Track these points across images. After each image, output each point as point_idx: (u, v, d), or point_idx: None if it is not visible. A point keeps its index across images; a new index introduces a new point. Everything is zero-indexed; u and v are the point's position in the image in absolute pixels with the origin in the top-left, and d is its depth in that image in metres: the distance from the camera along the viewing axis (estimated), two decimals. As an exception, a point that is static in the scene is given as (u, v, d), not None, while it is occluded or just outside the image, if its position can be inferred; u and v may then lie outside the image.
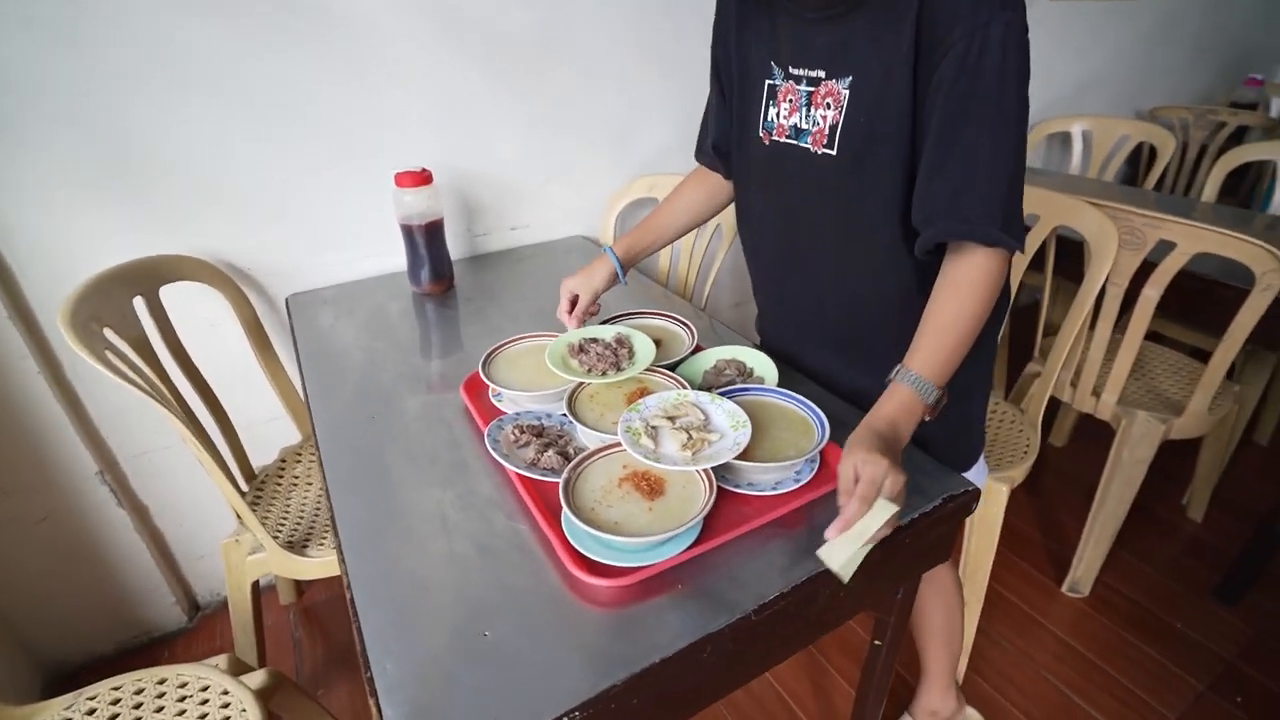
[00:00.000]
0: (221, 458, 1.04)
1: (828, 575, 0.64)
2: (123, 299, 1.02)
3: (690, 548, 0.65)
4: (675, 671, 0.57)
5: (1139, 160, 2.46)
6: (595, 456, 0.73)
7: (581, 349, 0.89)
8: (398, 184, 1.20)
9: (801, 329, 0.99)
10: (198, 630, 1.48)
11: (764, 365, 0.92)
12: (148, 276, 1.09)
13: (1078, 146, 2.23)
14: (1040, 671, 1.33)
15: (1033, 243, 1.32)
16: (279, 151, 1.22)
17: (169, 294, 1.12)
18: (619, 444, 0.73)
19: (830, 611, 0.71)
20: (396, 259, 1.41)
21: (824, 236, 0.85)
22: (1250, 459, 1.91)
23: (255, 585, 1.14)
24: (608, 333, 0.94)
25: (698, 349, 0.98)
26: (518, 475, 0.75)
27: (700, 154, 1.03)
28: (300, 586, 1.55)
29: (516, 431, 0.80)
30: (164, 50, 1.08)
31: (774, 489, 0.73)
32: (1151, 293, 1.25)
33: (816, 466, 0.76)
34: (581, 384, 0.86)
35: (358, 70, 1.24)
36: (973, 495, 0.75)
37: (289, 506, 1.19)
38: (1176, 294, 1.26)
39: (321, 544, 1.09)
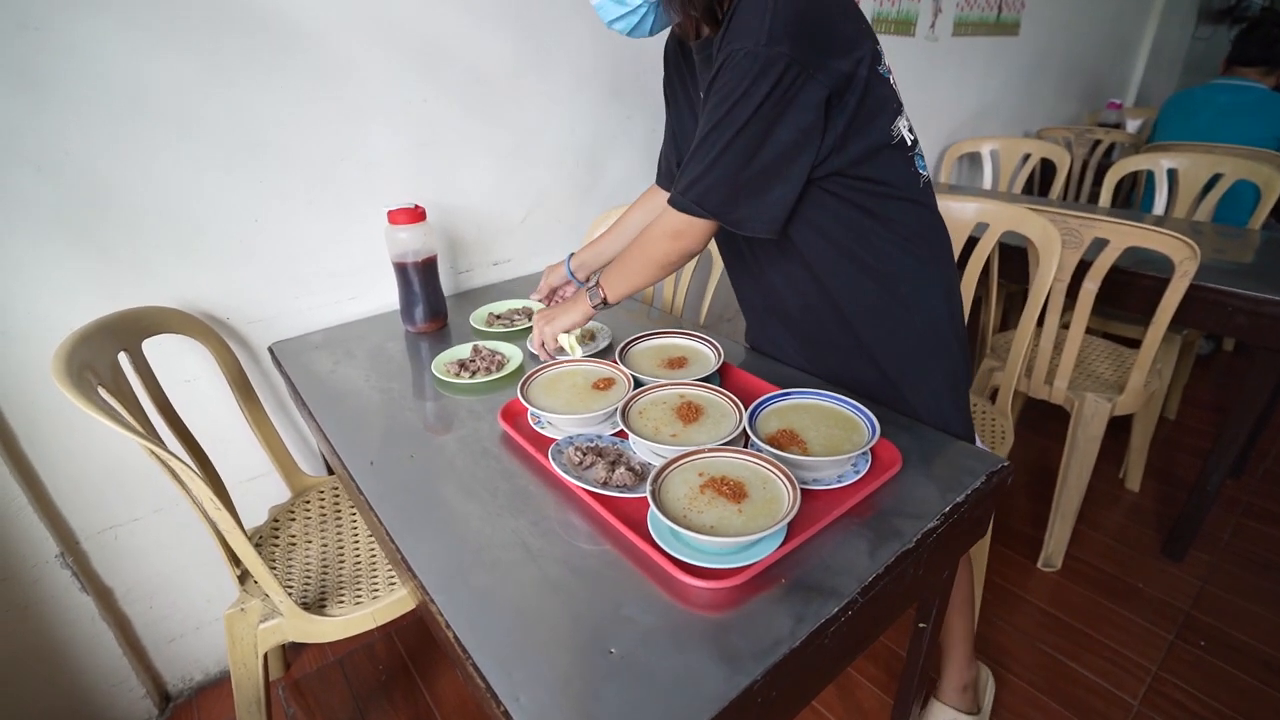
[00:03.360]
0: (235, 515, 0.97)
1: (912, 554, 0.68)
2: (108, 353, 0.94)
3: (781, 545, 0.67)
4: (803, 660, 0.59)
5: (1034, 175, 2.77)
6: (669, 469, 0.74)
7: (462, 365, 1.09)
8: (391, 221, 1.18)
9: (765, 327, 1.11)
10: (170, 723, 1.33)
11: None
12: (130, 329, 1.00)
13: (988, 164, 2.49)
14: (1034, 643, 1.43)
15: (984, 248, 1.45)
16: (255, 193, 1.17)
17: (146, 349, 1.04)
18: (691, 453, 0.75)
19: (912, 588, 0.74)
20: (383, 299, 1.37)
21: (747, 242, 1.01)
22: (1165, 432, 2.15)
23: (266, 658, 1.04)
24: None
25: (724, 367, 1.01)
26: (592, 495, 0.75)
27: (660, 177, 1.21)
28: (287, 660, 1.43)
29: (579, 454, 0.80)
30: (133, 90, 1.02)
31: (838, 482, 0.77)
32: (1091, 285, 1.41)
33: (870, 460, 0.80)
34: (630, 401, 0.87)
35: (333, 107, 1.21)
36: (1009, 470, 0.82)
37: (292, 567, 1.11)
38: (1099, 286, 1.42)
39: (340, 601, 1.02)
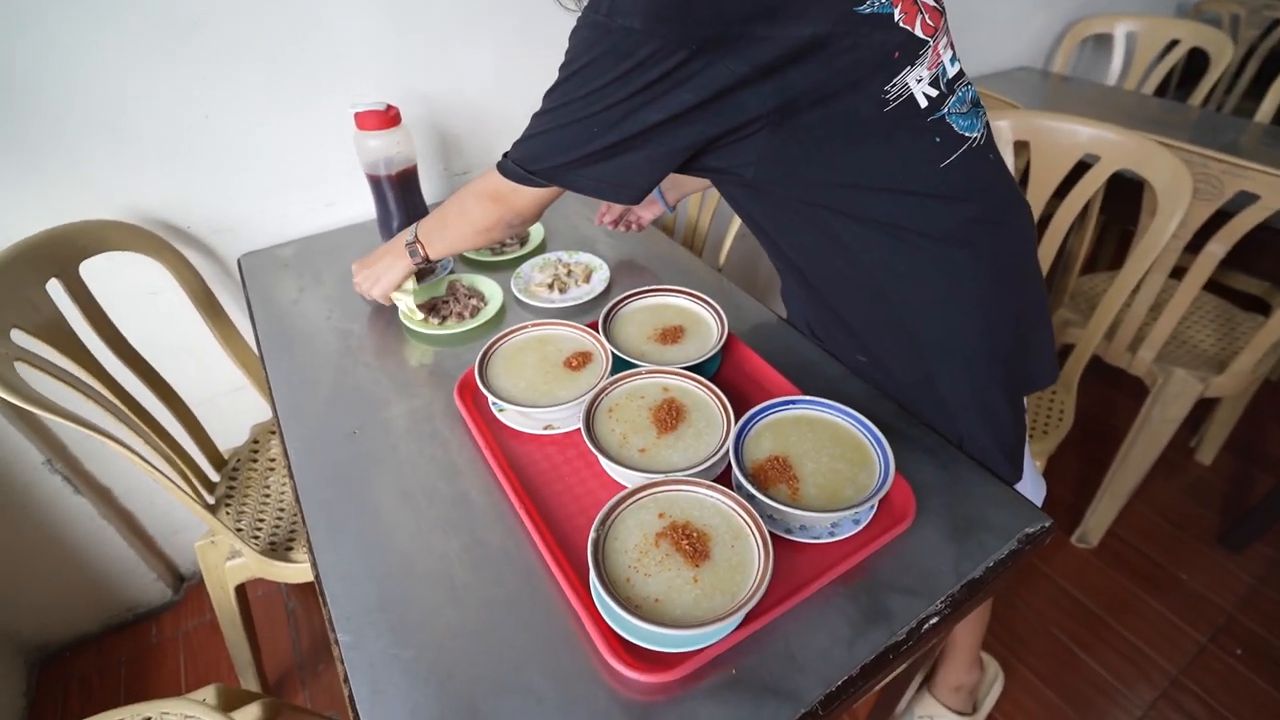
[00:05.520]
0: (179, 465, 0.92)
1: (899, 647, 0.56)
2: (32, 286, 0.84)
3: (740, 625, 0.56)
4: (736, 788, 0.50)
5: (1174, 71, 2.24)
6: (626, 502, 0.62)
7: (433, 308, 0.96)
8: (359, 126, 0.99)
9: (787, 287, 0.94)
10: (185, 602, 1.42)
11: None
12: (62, 253, 0.90)
13: (1119, 51, 2.01)
14: (1049, 627, 1.34)
15: (1089, 184, 1.17)
16: (199, 84, 0.99)
17: (92, 268, 0.94)
18: (656, 484, 0.62)
19: (888, 673, 0.64)
20: (364, 206, 1.22)
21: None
22: (1260, 395, 1.88)
23: (241, 589, 1.05)
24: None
25: (729, 340, 0.85)
26: (534, 524, 0.64)
27: None
28: (289, 555, 1.48)
29: None
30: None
31: (829, 535, 0.64)
32: (1217, 249, 1.13)
33: (875, 509, 0.66)
34: (602, 393, 0.74)
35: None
36: (1048, 530, 0.66)
37: (267, 495, 1.08)
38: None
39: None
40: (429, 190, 1.21)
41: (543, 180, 0.69)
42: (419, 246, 0.85)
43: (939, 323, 0.73)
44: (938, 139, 0.63)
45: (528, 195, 0.72)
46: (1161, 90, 2.07)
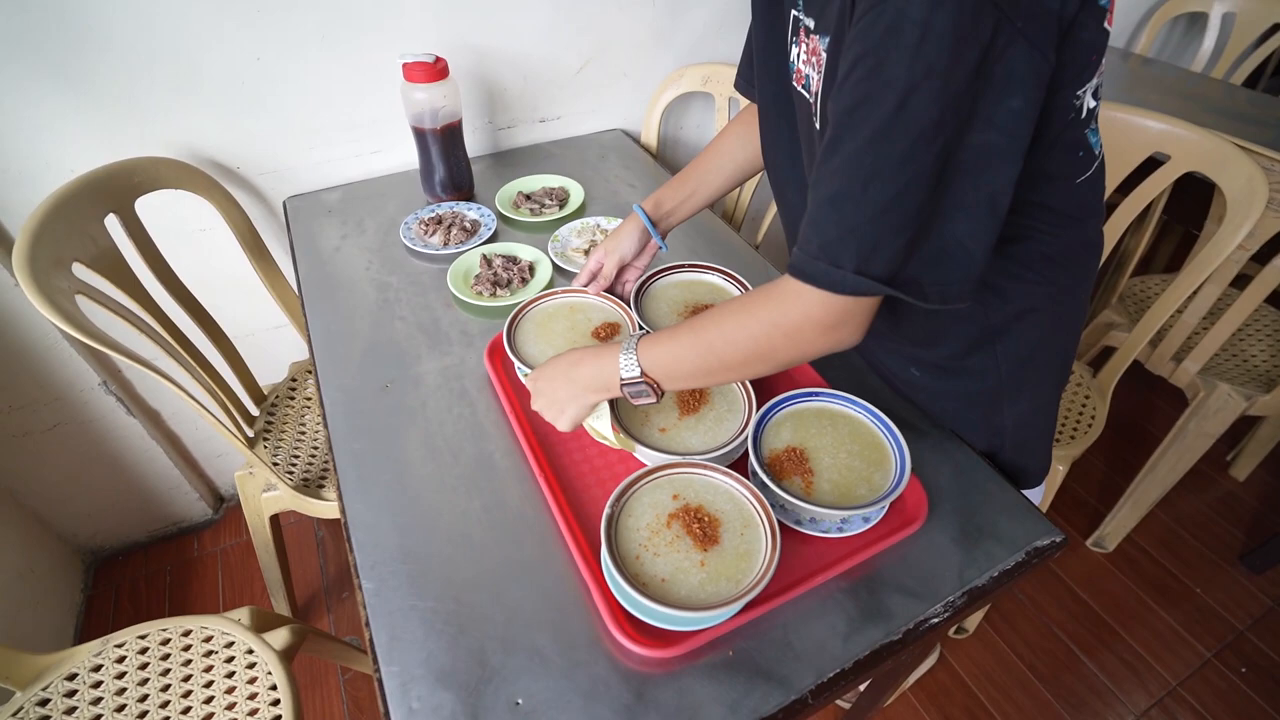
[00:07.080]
0: (222, 399, 0.97)
1: (894, 647, 0.58)
2: (91, 221, 0.88)
3: (746, 608, 0.58)
4: (722, 762, 0.53)
5: (1271, 59, 2.07)
6: (643, 481, 0.64)
7: (495, 282, 0.94)
8: (407, 78, 0.99)
9: None
10: (224, 521, 1.51)
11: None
12: (120, 188, 0.93)
13: (1212, 34, 1.86)
14: (1051, 626, 1.35)
15: (1153, 187, 1.11)
16: (251, 25, 0.99)
17: (147, 204, 0.97)
18: (671, 465, 0.64)
19: (876, 669, 0.66)
20: (409, 155, 1.23)
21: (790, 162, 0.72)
22: (1308, 413, 1.81)
23: (275, 518, 1.11)
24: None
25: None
26: (552, 491, 0.67)
27: (739, 80, 0.84)
28: (321, 486, 1.56)
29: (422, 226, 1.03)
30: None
31: (838, 531, 0.65)
32: (1285, 265, 1.07)
33: (886, 510, 0.67)
34: (623, 372, 0.75)
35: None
36: (1057, 545, 0.67)
37: (303, 433, 1.13)
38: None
39: (339, 484, 1.05)
40: (472, 144, 1.21)
41: (887, 286, 0.50)
42: (650, 387, 0.61)
43: (1024, 339, 0.69)
44: (1081, 153, 0.58)
45: (868, 308, 0.54)
46: (1253, 80, 1.93)
